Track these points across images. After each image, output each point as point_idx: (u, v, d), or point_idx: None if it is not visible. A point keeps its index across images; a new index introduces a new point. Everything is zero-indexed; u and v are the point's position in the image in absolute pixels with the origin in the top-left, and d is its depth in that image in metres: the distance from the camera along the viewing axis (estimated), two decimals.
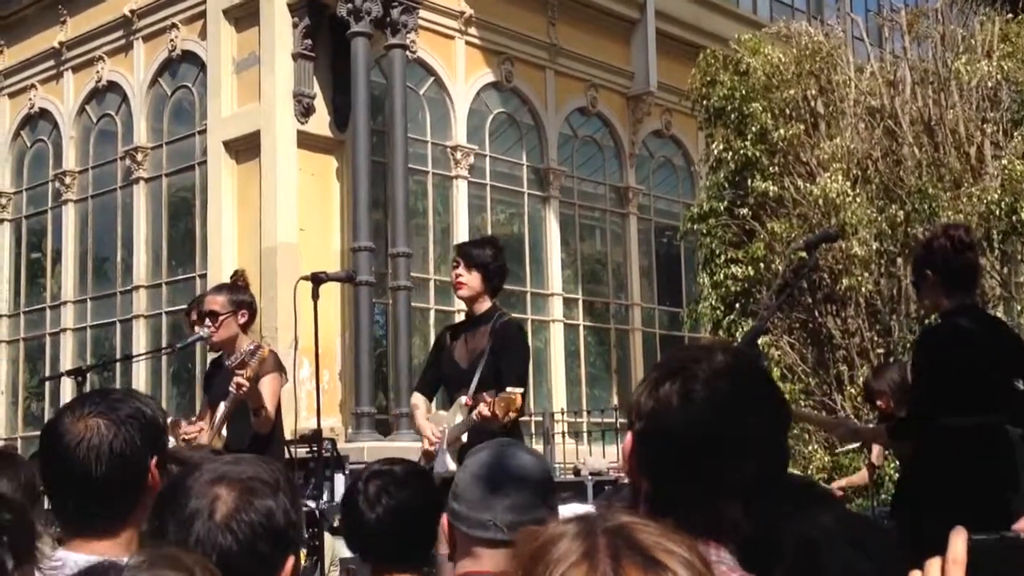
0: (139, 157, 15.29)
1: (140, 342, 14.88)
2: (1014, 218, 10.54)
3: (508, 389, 4.77)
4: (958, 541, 1.17)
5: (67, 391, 15.22)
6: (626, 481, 1.74)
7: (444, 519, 2.36)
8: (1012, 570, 1.16)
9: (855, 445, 8.09)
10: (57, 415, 2.23)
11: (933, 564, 1.18)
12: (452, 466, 5.00)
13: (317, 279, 5.34)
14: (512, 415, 4.78)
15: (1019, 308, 10.94)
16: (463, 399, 5.03)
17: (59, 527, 2.23)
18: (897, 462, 7.25)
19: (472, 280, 5.12)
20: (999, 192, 10.63)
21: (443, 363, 5.30)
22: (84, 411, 2.16)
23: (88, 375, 5.77)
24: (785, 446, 1.73)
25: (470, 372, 5.07)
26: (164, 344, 13.59)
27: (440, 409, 5.50)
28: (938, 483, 4.03)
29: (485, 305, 5.18)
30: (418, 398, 5.43)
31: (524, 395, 5.01)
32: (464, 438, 5.05)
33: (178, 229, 15.16)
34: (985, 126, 11.58)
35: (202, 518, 1.73)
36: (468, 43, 15.23)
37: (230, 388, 5.17)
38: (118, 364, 14.24)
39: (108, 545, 2.12)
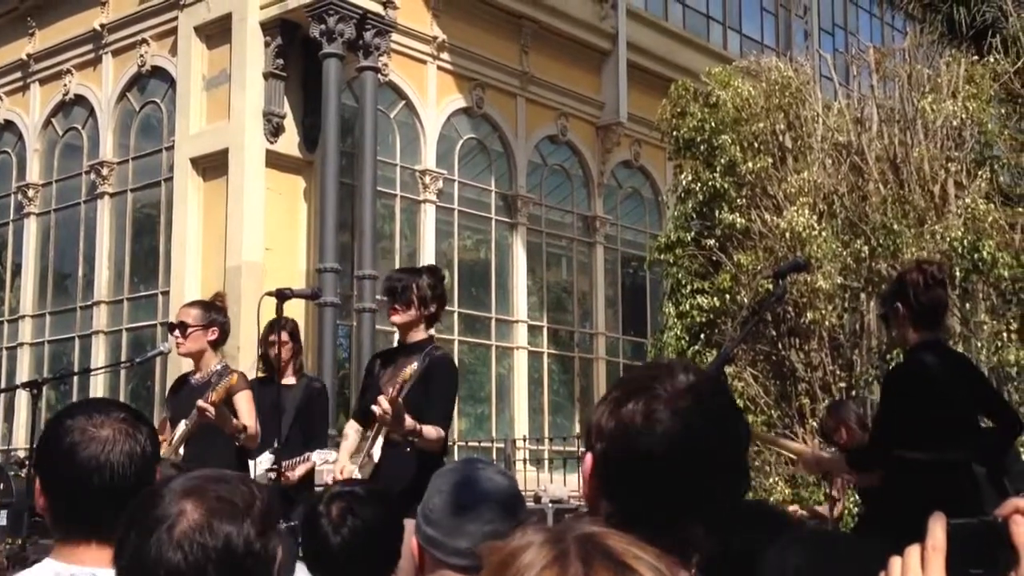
0: (104, 172, 15.15)
1: (99, 358, 14.68)
2: (975, 256, 10.63)
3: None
4: (937, 527, 1.15)
5: (22, 404, 14.98)
6: (587, 509, 1.71)
7: (413, 542, 2.32)
8: (991, 553, 1.14)
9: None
10: (62, 419, 2.15)
11: (912, 551, 1.16)
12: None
13: (282, 295, 5.31)
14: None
15: (979, 345, 11.03)
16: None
17: (56, 533, 2.12)
18: (857, 496, 7.27)
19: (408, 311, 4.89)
20: (962, 230, 10.73)
21: (370, 391, 4.97)
22: (102, 416, 2.13)
23: (43, 388, 5.69)
24: (746, 465, 1.72)
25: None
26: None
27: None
28: (902, 515, 4.04)
29: (419, 335, 4.95)
30: (351, 427, 5.12)
31: (448, 430, 4.80)
32: (376, 455, 4.80)
33: (142, 245, 15.01)
34: (949, 165, 11.71)
35: (160, 530, 1.68)
36: (440, 68, 15.25)
37: (195, 410, 5.10)
38: (75, 379, 14.02)
39: (104, 553, 2.02)
